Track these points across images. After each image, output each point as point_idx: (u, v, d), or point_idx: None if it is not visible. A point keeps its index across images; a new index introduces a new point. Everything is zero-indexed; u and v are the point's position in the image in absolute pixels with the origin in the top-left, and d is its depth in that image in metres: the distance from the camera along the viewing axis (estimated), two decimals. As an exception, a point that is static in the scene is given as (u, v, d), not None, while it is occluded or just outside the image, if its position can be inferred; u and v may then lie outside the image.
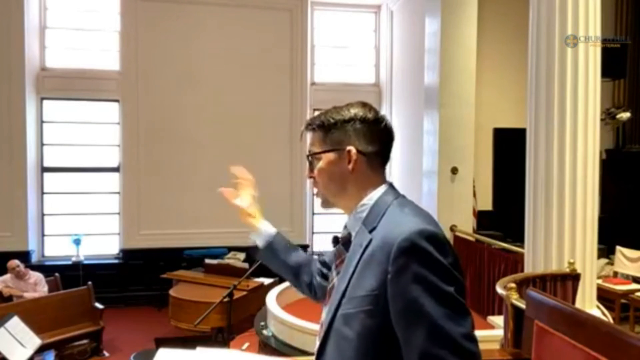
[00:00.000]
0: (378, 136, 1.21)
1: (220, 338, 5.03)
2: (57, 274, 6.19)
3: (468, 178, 6.39)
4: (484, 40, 6.77)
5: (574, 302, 3.45)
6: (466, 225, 6.28)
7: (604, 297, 5.08)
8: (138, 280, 7.53)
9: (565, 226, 3.65)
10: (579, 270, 3.54)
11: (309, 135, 1.27)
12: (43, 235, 7.74)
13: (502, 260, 5.20)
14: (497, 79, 7.31)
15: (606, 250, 6.39)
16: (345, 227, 1.29)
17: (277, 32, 8.05)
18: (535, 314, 2.36)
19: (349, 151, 1.19)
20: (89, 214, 7.84)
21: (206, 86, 7.84)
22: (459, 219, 6.22)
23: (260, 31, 7.98)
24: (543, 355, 2.25)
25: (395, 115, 8.03)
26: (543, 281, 3.47)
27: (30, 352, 4.60)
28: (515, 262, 4.86)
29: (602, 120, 4.89)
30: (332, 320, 1.14)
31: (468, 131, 6.34)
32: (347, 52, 8.70)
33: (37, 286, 5.76)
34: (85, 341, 5.54)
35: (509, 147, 6.98)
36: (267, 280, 5.93)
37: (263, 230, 1.52)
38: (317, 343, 1.21)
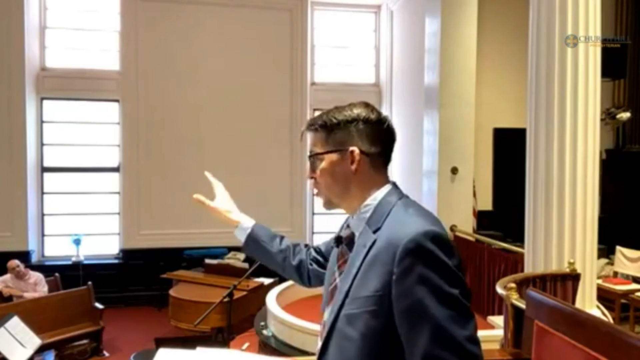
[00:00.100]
0: (381, 137, 1.21)
1: (220, 338, 5.03)
2: (57, 274, 6.19)
3: (468, 178, 6.39)
4: (484, 40, 6.77)
5: (574, 302, 3.45)
6: (466, 225, 6.28)
7: (604, 297, 5.08)
8: (138, 280, 7.53)
9: (565, 226, 3.65)
10: (579, 270, 3.54)
11: (310, 136, 1.25)
12: (43, 235, 7.74)
13: (502, 260, 5.20)
14: (497, 79, 7.31)
15: (606, 250, 6.39)
16: (345, 226, 1.29)
17: (277, 32, 8.05)
18: (535, 314, 2.36)
19: (352, 152, 1.18)
20: (89, 214, 7.84)
21: (206, 86, 7.84)
22: (459, 219, 6.21)
23: (260, 31, 7.98)
24: (543, 355, 2.25)
25: (395, 115, 8.03)
26: (543, 281, 3.47)
27: (30, 352, 4.60)
28: (515, 262, 4.86)
29: (602, 120, 4.89)
30: (335, 321, 1.14)
31: (468, 131, 6.34)
32: (347, 52, 8.70)
33: (37, 286, 5.76)
34: (85, 341, 5.54)
35: (509, 147, 6.98)
36: (267, 280, 5.93)
37: (242, 222, 1.55)
38: (320, 343, 1.20)
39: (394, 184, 1.23)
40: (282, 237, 1.55)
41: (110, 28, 7.86)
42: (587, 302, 3.69)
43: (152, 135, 7.74)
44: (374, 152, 1.20)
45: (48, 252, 7.74)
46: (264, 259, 1.56)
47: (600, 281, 5.17)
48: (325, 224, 8.34)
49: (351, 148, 1.19)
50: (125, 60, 7.71)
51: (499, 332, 3.44)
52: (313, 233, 8.53)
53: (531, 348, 2.34)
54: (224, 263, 6.61)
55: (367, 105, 1.24)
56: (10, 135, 7.27)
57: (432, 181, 6.43)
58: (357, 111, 1.21)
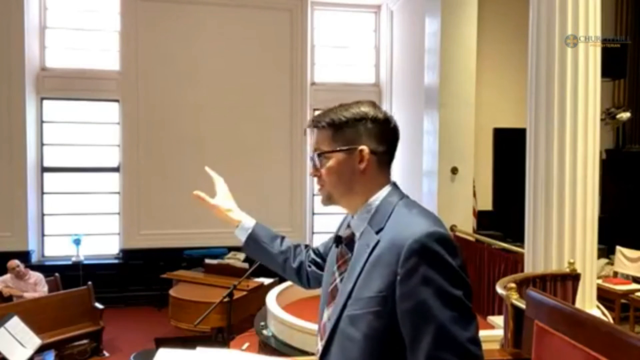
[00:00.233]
0: (387, 136, 1.21)
1: (220, 338, 5.03)
2: (57, 274, 6.19)
3: (468, 178, 6.39)
4: (484, 40, 6.77)
5: (574, 302, 3.45)
6: (466, 225, 6.28)
7: (604, 297, 5.08)
8: (138, 280, 7.53)
9: (565, 226, 3.65)
10: (579, 270, 3.54)
11: (315, 133, 1.23)
12: (43, 235, 7.74)
13: (502, 260, 5.20)
14: (497, 79, 7.31)
15: (606, 250, 6.39)
16: (345, 226, 1.28)
17: (277, 32, 8.05)
18: (535, 314, 2.36)
19: (362, 151, 1.18)
20: (89, 214, 7.84)
21: (206, 86, 7.84)
22: (459, 219, 6.21)
23: (260, 31, 7.98)
24: (543, 355, 2.25)
25: (395, 116, 7.99)
26: (543, 281, 3.47)
27: (30, 352, 4.60)
28: (515, 262, 4.86)
29: (602, 120, 4.89)
30: (338, 321, 1.14)
31: (468, 131, 6.34)
32: (347, 52, 8.70)
33: (37, 286, 5.75)
34: (85, 341, 5.54)
35: (509, 147, 6.98)
36: (267, 280, 5.93)
37: (243, 222, 1.53)
38: (321, 344, 1.20)
39: (395, 184, 1.23)
40: (282, 238, 1.54)
41: (110, 28, 7.86)
42: (587, 302, 3.69)
43: (152, 135, 7.74)
44: (381, 151, 1.20)
45: (48, 252, 7.74)
46: (264, 260, 1.55)
47: (600, 281, 5.17)
48: (325, 224, 8.33)
49: (360, 147, 1.18)
50: (125, 60, 7.71)
51: (499, 332, 3.44)
52: (313, 233, 8.52)
53: (531, 348, 2.34)
54: (224, 263, 6.62)
55: (373, 103, 1.23)
56: (10, 135, 7.27)
57: (432, 181, 6.43)
58: (365, 109, 1.20)
